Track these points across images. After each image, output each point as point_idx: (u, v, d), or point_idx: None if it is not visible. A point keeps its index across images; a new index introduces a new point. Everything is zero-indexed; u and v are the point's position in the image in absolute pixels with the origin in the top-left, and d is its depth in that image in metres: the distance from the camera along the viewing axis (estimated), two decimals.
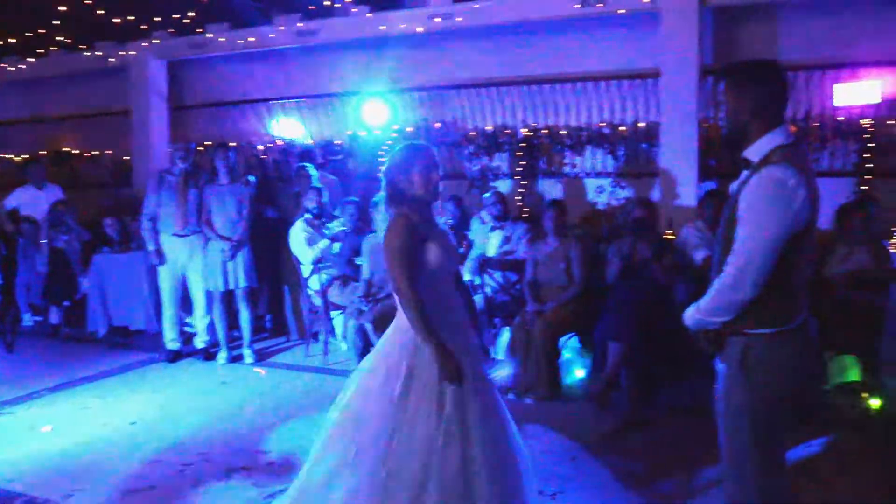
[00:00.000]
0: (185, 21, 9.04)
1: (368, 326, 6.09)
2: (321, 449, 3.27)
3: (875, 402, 5.30)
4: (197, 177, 7.04)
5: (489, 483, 3.00)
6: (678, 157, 7.27)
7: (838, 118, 7.51)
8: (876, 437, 4.88)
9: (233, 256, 6.83)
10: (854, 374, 5.69)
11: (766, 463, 2.63)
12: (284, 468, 4.53)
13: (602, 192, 8.08)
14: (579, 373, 6.21)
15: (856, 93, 7.21)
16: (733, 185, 2.73)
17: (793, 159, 2.53)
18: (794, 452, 4.53)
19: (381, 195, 3.27)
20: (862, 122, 7.43)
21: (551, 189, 8.32)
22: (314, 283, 7.04)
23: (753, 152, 2.63)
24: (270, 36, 8.81)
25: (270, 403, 5.85)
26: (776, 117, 2.63)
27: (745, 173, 2.65)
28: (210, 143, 9.28)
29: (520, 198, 8.31)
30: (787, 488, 2.70)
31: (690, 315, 2.73)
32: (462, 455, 2.99)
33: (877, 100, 7.12)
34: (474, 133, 8.62)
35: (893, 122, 7.40)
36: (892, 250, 6.09)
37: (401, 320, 3.23)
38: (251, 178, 7.10)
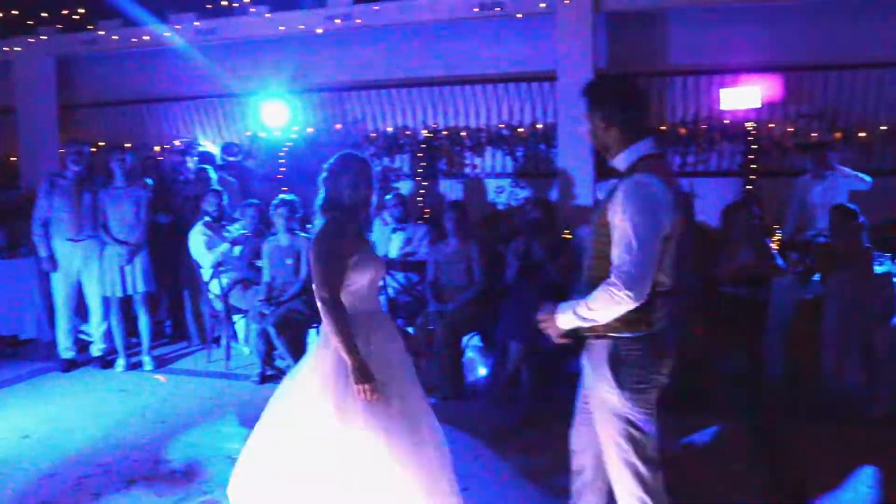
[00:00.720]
0: (74, 17, 8.74)
1: (271, 330, 6.08)
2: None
3: (759, 393, 5.61)
4: (91, 180, 6.83)
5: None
6: (575, 158, 7.46)
7: (724, 121, 7.90)
8: (760, 429, 5.14)
9: (130, 261, 6.66)
10: (739, 367, 6.01)
11: (637, 455, 2.78)
12: (186, 476, 4.49)
13: (502, 193, 8.25)
14: (482, 371, 6.34)
15: (739, 97, 7.60)
16: (600, 193, 2.88)
17: (656, 168, 2.69)
18: (679, 443, 4.81)
19: (319, 200, 3.32)
20: (746, 124, 7.83)
21: (452, 190, 8.44)
22: (215, 287, 6.94)
23: (620, 162, 2.78)
24: (166, 34, 8.61)
25: (171, 411, 5.75)
26: (636, 129, 2.78)
27: (613, 182, 2.80)
28: (103, 143, 9.02)
29: (421, 199, 8.40)
30: (659, 480, 2.84)
31: (568, 318, 2.77)
32: (382, 463, 3.04)
33: (757, 104, 7.52)
34: (375, 134, 8.67)
35: (774, 125, 7.84)
36: (774, 248, 6.43)
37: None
38: (149, 181, 6.92)
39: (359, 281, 3.22)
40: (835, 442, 4.84)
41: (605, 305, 2.65)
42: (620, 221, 2.63)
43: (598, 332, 2.77)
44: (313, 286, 3.20)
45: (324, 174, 3.32)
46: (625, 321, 2.70)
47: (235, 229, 7.11)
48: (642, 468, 2.78)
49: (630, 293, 2.58)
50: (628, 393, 2.75)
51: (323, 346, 3.23)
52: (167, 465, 4.69)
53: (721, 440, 4.92)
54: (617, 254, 2.64)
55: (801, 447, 4.75)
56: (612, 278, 2.63)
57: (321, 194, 3.31)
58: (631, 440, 2.77)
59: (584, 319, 2.72)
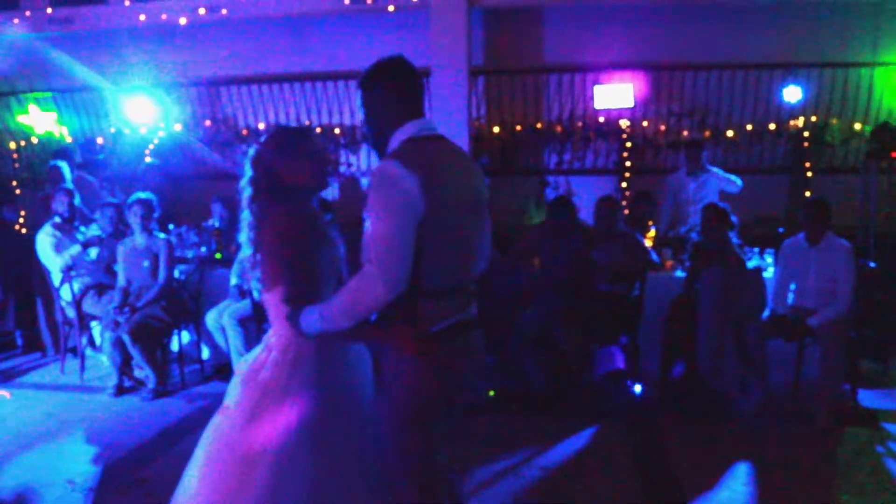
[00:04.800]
0: None
1: (126, 338, 5.66)
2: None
3: (637, 388, 5.59)
4: None
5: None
6: None
7: (599, 119, 7.93)
8: (637, 428, 5.12)
9: None
10: (618, 364, 6.00)
11: (414, 458, 2.57)
12: None
13: None
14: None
15: (613, 95, 7.64)
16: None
17: (409, 153, 2.44)
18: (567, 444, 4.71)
19: (248, 189, 2.79)
20: (620, 122, 7.89)
21: (326, 189, 8.17)
22: (66, 293, 6.44)
23: (389, 149, 2.55)
24: (15, 21, 7.99)
25: (10, 431, 5.23)
26: (405, 113, 2.54)
27: None
28: None
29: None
30: (434, 487, 2.64)
31: (310, 321, 2.51)
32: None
33: (630, 103, 7.58)
34: (246, 132, 8.30)
35: (647, 123, 7.93)
36: (647, 243, 6.46)
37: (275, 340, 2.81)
38: None
39: (318, 272, 2.75)
40: (711, 439, 4.82)
41: (352, 298, 2.46)
42: (366, 211, 2.45)
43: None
44: (266, 295, 2.74)
45: (263, 154, 2.80)
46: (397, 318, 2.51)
47: (92, 231, 6.62)
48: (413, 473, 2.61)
49: (378, 283, 2.38)
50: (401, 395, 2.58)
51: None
52: None
53: (597, 443, 4.83)
54: (365, 243, 2.44)
55: (678, 446, 4.72)
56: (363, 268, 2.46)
57: (256, 180, 2.78)
58: (405, 445, 2.60)
59: (337, 319, 2.50)
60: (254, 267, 2.80)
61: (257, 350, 2.86)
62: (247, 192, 2.81)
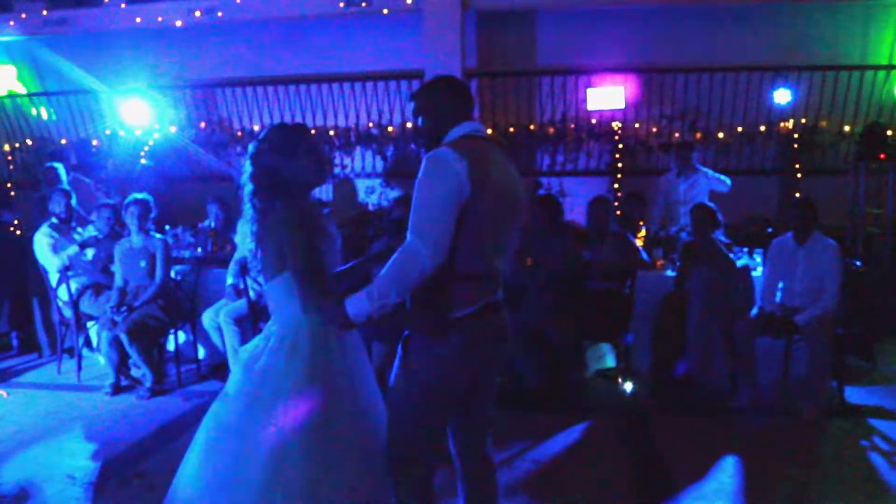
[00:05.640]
0: None
1: (123, 337, 5.71)
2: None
3: (628, 386, 5.66)
4: None
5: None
6: None
7: (592, 121, 8.01)
8: (628, 423, 5.20)
9: None
10: (609, 361, 6.08)
11: (423, 437, 2.72)
12: (17, 500, 4.10)
13: (373, 193, 8.10)
14: None
15: (605, 97, 7.72)
16: None
17: (462, 144, 2.65)
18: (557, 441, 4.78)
19: (249, 185, 2.88)
20: (613, 124, 7.96)
21: (321, 190, 8.21)
22: (63, 294, 6.47)
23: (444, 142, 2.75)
24: (11, 24, 8.03)
25: (9, 429, 5.25)
26: (462, 114, 2.78)
27: None
28: None
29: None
30: (423, 482, 2.77)
31: (359, 305, 2.59)
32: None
33: (622, 105, 7.66)
34: (241, 133, 8.35)
35: (639, 124, 8.01)
36: (638, 243, 6.53)
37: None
38: None
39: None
40: (700, 434, 4.91)
41: (395, 271, 2.59)
42: (414, 192, 2.64)
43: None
44: (268, 285, 2.84)
45: (263, 151, 2.88)
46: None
47: (89, 232, 6.66)
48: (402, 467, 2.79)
49: (419, 256, 2.54)
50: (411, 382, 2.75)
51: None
52: None
53: (588, 438, 4.90)
54: (410, 221, 2.64)
55: (668, 440, 4.81)
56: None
57: (257, 177, 2.87)
58: (410, 431, 2.78)
59: (383, 297, 2.61)
60: (255, 257, 2.89)
61: (258, 339, 2.94)
62: (248, 188, 2.90)
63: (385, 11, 7.41)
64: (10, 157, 8.92)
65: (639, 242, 6.51)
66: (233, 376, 2.93)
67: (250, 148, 2.95)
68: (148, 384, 5.88)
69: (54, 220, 6.55)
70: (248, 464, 2.69)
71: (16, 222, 7.50)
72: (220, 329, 6.01)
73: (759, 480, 4.19)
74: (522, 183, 2.85)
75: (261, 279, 3.04)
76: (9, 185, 8.44)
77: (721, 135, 7.93)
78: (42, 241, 6.44)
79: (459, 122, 2.76)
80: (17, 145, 9.03)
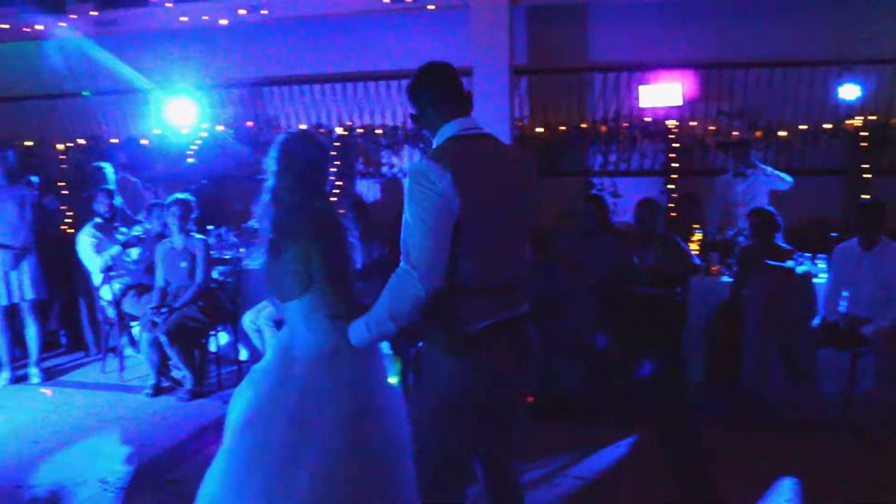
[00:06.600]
0: None
1: (163, 338, 5.67)
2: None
3: (678, 395, 5.41)
4: None
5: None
6: None
7: (646, 119, 7.73)
8: (678, 438, 4.93)
9: (16, 266, 6.17)
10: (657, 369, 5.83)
11: (442, 455, 2.59)
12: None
13: None
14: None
15: (660, 95, 7.44)
16: None
17: (446, 152, 2.49)
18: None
19: (274, 189, 2.87)
20: (667, 123, 7.68)
21: (369, 190, 8.13)
22: (106, 294, 6.47)
23: (432, 148, 2.64)
24: (61, 24, 8.08)
25: (50, 428, 5.27)
26: (448, 113, 2.61)
27: None
28: None
29: (336, 199, 8.03)
30: (454, 486, 2.65)
31: (359, 333, 2.59)
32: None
33: (679, 102, 7.37)
34: None
35: (695, 123, 7.71)
36: (693, 247, 6.27)
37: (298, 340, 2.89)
38: (34, 179, 6.43)
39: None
40: (754, 451, 4.63)
41: (392, 297, 2.52)
42: (405, 211, 2.51)
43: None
44: (327, 300, 2.80)
45: (295, 158, 2.87)
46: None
47: (136, 231, 6.66)
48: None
49: (413, 280, 2.42)
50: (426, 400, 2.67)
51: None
52: (29, 490, 4.24)
53: (637, 452, 4.67)
54: (402, 242, 2.52)
55: (721, 457, 4.50)
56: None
57: (276, 182, 2.87)
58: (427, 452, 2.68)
59: (383, 322, 2.56)
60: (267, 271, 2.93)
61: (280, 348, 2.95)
62: (266, 197, 2.90)
63: (431, 7, 7.23)
64: (63, 157, 9.00)
65: (694, 246, 6.25)
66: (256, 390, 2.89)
67: (272, 154, 2.92)
68: (188, 386, 5.84)
69: (98, 219, 6.55)
70: (273, 471, 2.73)
71: (65, 218, 7.56)
72: (260, 331, 5.94)
73: None
74: (530, 175, 2.66)
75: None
76: (60, 183, 8.50)
77: (783, 133, 7.57)
78: (85, 241, 6.45)
79: (447, 120, 2.60)
80: (69, 144, 9.11)
